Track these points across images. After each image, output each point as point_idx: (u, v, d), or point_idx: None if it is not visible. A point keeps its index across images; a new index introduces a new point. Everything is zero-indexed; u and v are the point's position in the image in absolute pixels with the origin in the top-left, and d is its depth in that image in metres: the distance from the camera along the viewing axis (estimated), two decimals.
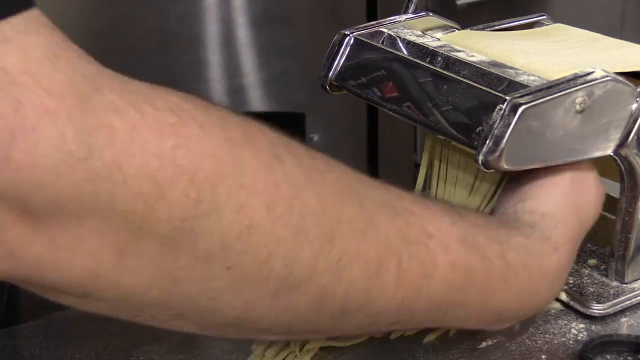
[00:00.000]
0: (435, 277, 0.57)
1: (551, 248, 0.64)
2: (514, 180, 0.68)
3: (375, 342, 0.68)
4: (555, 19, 0.84)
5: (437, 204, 0.62)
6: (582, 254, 0.77)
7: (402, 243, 0.56)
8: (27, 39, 0.43)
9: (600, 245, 0.78)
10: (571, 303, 0.72)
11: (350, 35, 0.77)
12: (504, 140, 0.63)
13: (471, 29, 0.81)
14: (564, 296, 0.72)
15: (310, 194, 0.51)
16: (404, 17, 0.80)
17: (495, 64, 0.71)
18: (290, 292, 0.51)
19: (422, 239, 0.57)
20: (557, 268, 0.64)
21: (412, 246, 0.56)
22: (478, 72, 0.70)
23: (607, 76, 0.66)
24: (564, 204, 0.66)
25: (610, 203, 0.79)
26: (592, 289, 0.72)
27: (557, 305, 0.72)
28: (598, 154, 0.68)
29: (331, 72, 0.76)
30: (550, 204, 0.66)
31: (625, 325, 0.70)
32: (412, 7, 0.82)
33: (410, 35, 0.77)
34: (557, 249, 0.64)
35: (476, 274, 0.59)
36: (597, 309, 0.71)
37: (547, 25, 0.83)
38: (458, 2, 1.52)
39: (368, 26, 0.78)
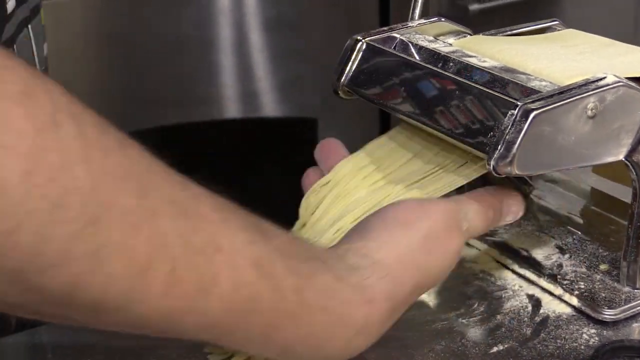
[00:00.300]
0: (213, 295, 0.52)
1: (364, 299, 0.59)
2: (374, 216, 0.65)
3: (384, 345, 0.68)
4: (568, 25, 0.84)
5: (241, 218, 0.55)
6: (594, 259, 0.77)
7: (181, 249, 0.50)
8: None
9: (612, 251, 0.78)
10: (583, 308, 0.72)
11: (363, 40, 0.77)
12: (516, 146, 0.63)
13: (483, 34, 0.81)
14: (575, 301, 0.72)
15: (82, 169, 0.46)
16: (416, 22, 0.80)
17: (507, 70, 0.71)
18: (39, 274, 0.46)
19: (208, 250, 0.51)
20: (364, 322, 0.59)
21: (194, 255, 0.50)
22: (490, 77, 0.70)
23: (619, 82, 0.66)
24: (405, 261, 0.62)
25: (621, 208, 0.79)
26: (603, 294, 0.72)
27: (569, 310, 0.72)
28: (610, 159, 0.68)
29: (343, 77, 0.77)
30: (389, 255, 0.61)
31: (637, 331, 0.70)
32: (417, 13, 0.82)
33: (422, 40, 0.78)
34: (371, 302, 0.59)
35: (262, 303, 0.54)
36: (608, 314, 0.71)
37: (559, 30, 0.83)
38: (470, 8, 1.53)
39: (380, 31, 0.78)
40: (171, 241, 0.49)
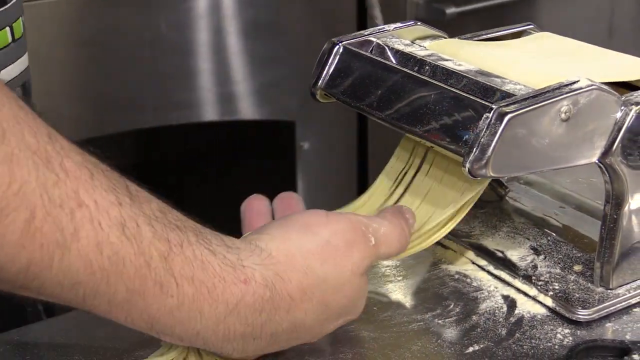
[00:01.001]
0: (73, 251, 0.51)
1: (239, 277, 0.59)
2: (279, 219, 0.66)
3: (361, 346, 0.69)
4: (543, 29, 0.85)
5: (112, 179, 0.54)
6: (568, 260, 0.78)
7: (40, 199, 0.50)
8: None
9: (586, 252, 0.79)
10: (557, 309, 0.73)
11: (340, 44, 0.78)
12: (491, 149, 0.64)
13: (459, 38, 0.82)
14: (549, 302, 0.73)
15: None
16: (392, 26, 0.81)
17: (482, 73, 0.72)
18: None
19: (69, 204, 0.51)
20: (237, 302, 0.59)
21: (53, 208, 0.50)
22: (465, 80, 0.71)
23: (592, 85, 0.67)
24: (293, 260, 0.61)
25: (595, 210, 0.80)
26: (577, 295, 0.73)
27: (543, 310, 0.73)
28: (583, 161, 0.69)
29: (320, 81, 0.77)
30: (279, 248, 0.61)
31: (610, 330, 0.71)
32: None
33: (398, 44, 0.78)
34: (247, 282, 0.59)
35: (125, 266, 0.54)
36: (582, 314, 0.71)
37: (534, 34, 0.84)
38: (447, 11, 1.54)
39: (357, 35, 0.79)
40: (30, 190, 0.49)
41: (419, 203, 0.75)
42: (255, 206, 0.69)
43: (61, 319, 0.74)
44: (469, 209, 0.72)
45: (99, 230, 0.52)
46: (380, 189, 0.79)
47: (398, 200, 0.77)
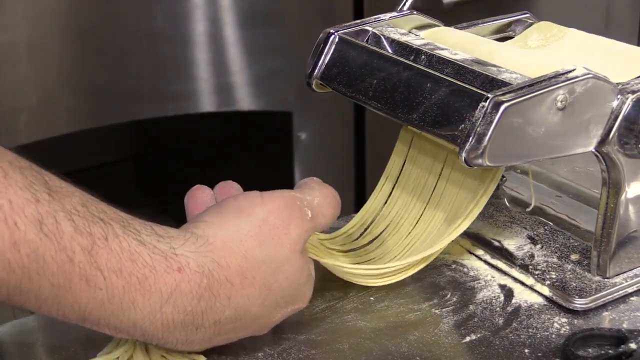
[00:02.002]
0: None
1: (171, 266, 0.58)
2: (213, 205, 0.65)
3: (357, 336, 0.69)
4: (540, 18, 0.85)
5: (28, 177, 0.54)
6: (565, 249, 0.78)
7: None
8: None
9: (583, 241, 0.79)
10: (554, 298, 0.73)
11: (335, 33, 0.77)
12: (487, 138, 0.64)
13: (455, 27, 0.81)
14: (546, 291, 0.73)
15: None
16: (388, 15, 0.80)
17: (478, 62, 0.72)
18: None
19: None
20: (172, 291, 0.58)
21: None
22: (461, 69, 0.71)
23: (588, 73, 0.67)
24: (231, 246, 0.61)
25: (592, 199, 0.80)
26: (574, 284, 0.73)
27: (540, 300, 0.73)
28: (579, 150, 0.69)
29: (316, 71, 0.77)
30: (215, 235, 0.61)
31: (607, 319, 0.71)
32: (408, 4, 0.82)
33: (394, 33, 0.78)
34: (181, 270, 0.58)
35: (47, 264, 0.53)
36: (579, 303, 0.71)
37: (530, 22, 0.84)
38: (443, 1, 1.53)
39: (353, 25, 0.79)
40: None
41: (433, 208, 0.75)
42: (198, 197, 0.68)
43: (32, 318, 0.74)
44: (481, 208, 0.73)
45: (15, 229, 0.52)
46: (384, 192, 0.79)
47: (412, 208, 0.77)
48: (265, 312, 0.64)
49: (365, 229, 0.78)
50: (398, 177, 0.79)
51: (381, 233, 0.78)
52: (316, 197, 0.66)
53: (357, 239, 0.78)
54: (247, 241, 0.62)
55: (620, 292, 0.73)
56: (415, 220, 0.77)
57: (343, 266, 0.72)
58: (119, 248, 0.56)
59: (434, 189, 0.76)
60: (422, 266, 0.74)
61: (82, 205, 0.56)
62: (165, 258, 0.58)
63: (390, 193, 0.79)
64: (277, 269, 0.63)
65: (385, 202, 0.79)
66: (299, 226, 0.64)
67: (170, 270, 0.58)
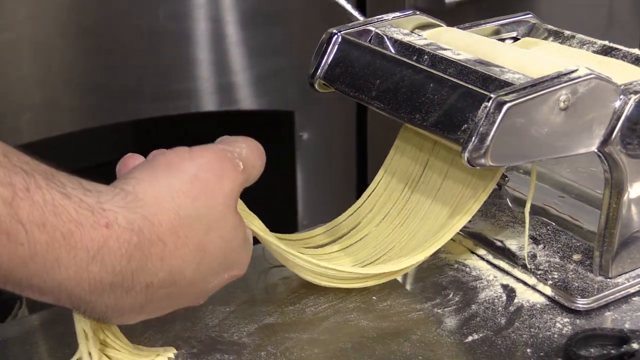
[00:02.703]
0: None
1: (99, 222, 0.55)
2: (144, 162, 0.62)
3: (360, 335, 0.69)
4: (542, 19, 0.85)
5: None
6: (567, 249, 0.78)
7: None
8: None
9: (585, 241, 0.79)
10: (556, 297, 0.73)
11: (338, 33, 0.78)
12: (489, 138, 0.64)
13: (457, 27, 0.82)
14: (549, 291, 0.73)
15: None
16: (391, 15, 0.81)
17: (481, 62, 0.72)
18: None
19: None
20: (99, 247, 0.55)
21: None
22: (464, 70, 0.71)
23: (590, 74, 0.67)
24: (162, 202, 0.58)
25: (595, 199, 0.80)
26: (576, 284, 0.73)
27: (542, 299, 0.73)
28: (582, 150, 0.69)
29: (319, 71, 0.77)
30: (146, 191, 0.58)
31: (609, 319, 0.71)
32: None
33: (397, 33, 0.78)
34: (109, 226, 0.55)
35: None
36: (581, 303, 0.72)
37: (532, 23, 0.84)
38: (446, 1, 1.53)
39: (356, 25, 0.79)
40: None
41: (429, 203, 0.76)
42: (129, 164, 0.64)
43: (34, 317, 0.74)
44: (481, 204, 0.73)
45: None
46: (382, 185, 0.79)
47: (407, 200, 0.78)
48: (201, 277, 0.61)
49: (358, 224, 0.79)
50: (395, 173, 0.79)
51: (370, 231, 0.78)
52: (243, 148, 0.64)
53: (346, 234, 0.79)
54: (179, 198, 0.58)
55: (623, 292, 0.73)
56: (406, 215, 0.77)
57: (286, 250, 0.70)
58: (42, 200, 0.53)
59: (433, 185, 0.76)
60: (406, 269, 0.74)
61: (2, 155, 0.53)
62: (92, 213, 0.55)
63: (385, 190, 0.79)
64: (211, 227, 0.60)
65: (378, 200, 0.79)
66: (232, 179, 0.61)
67: (97, 225, 0.54)
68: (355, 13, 0.83)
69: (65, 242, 0.53)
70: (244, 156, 0.63)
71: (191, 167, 0.60)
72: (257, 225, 0.68)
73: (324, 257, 0.76)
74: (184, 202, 0.58)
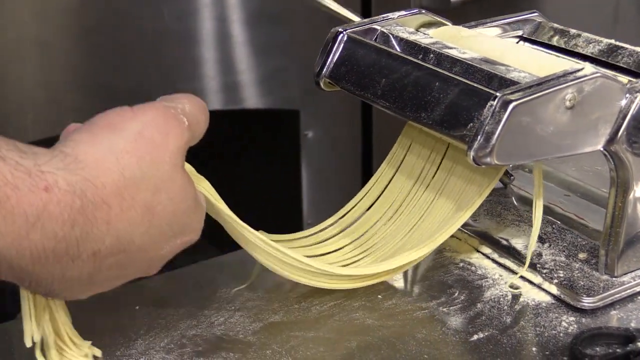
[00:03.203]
0: None
1: (37, 185, 0.52)
2: (85, 123, 0.59)
3: (365, 334, 0.69)
4: (547, 16, 0.85)
5: None
6: (573, 248, 0.78)
7: None
8: None
9: (591, 240, 0.79)
10: (562, 296, 0.73)
11: (344, 32, 0.77)
12: (495, 137, 0.64)
13: (463, 26, 0.81)
14: (554, 289, 0.73)
15: None
16: (396, 14, 0.80)
17: (486, 61, 0.72)
18: None
19: None
20: (39, 212, 0.52)
21: None
22: (469, 68, 0.71)
23: (596, 72, 0.67)
24: (105, 164, 0.54)
25: (600, 198, 0.80)
26: (582, 283, 0.73)
27: (548, 298, 0.73)
28: (588, 149, 0.69)
29: (324, 70, 0.77)
30: (86, 152, 0.55)
31: (615, 318, 0.71)
32: None
33: (402, 32, 0.78)
34: (49, 190, 0.52)
35: None
36: (587, 302, 0.71)
37: (538, 21, 0.84)
38: (452, 0, 1.53)
39: (361, 23, 0.79)
40: None
41: (431, 199, 0.76)
42: (71, 130, 0.60)
43: None
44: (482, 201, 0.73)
45: None
46: (384, 179, 0.79)
47: (408, 193, 0.78)
48: (152, 243, 0.58)
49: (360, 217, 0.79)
50: (399, 168, 0.79)
51: (375, 223, 0.78)
52: (185, 104, 0.60)
53: (349, 226, 0.79)
54: (124, 158, 0.55)
55: (628, 290, 0.73)
56: (408, 210, 0.77)
57: (240, 223, 0.67)
58: None
59: (436, 181, 0.76)
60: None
61: None
62: (29, 175, 0.52)
63: (388, 184, 0.79)
64: (159, 187, 0.57)
65: (381, 194, 0.79)
66: (178, 137, 0.58)
67: (36, 189, 0.51)
68: (350, 15, 0.83)
69: (2, 207, 0.51)
70: (188, 112, 0.60)
71: (135, 125, 0.57)
72: (205, 188, 0.65)
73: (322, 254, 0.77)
74: (128, 162, 0.55)
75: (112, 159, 0.55)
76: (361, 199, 0.80)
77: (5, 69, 1.37)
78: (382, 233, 0.77)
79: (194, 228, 0.61)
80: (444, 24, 0.81)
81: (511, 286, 0.74)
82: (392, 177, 0.79)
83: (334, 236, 0.78)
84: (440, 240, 0.73)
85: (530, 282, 0.75)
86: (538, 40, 0.83)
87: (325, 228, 0.79)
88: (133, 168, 0.55)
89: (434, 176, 0.77)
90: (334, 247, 0.78)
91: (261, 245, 0.69)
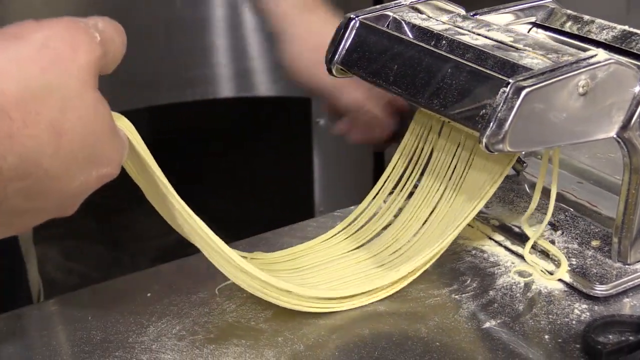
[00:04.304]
0: None
1: None
2: None
3: (377, 321, 0.69)
4: (561, 3, 0.85)
5: None
6: (586, 236, 0.78)
7: None
8: None
9: (604, 227, 0.78)
10: (574, 284, 0.72)
11: (356, 18, 0.77)
12: (508, 123, 0.63)
13: (476, 12, 0.81)
14: (567, 277, 0.73)
15: None
16: (409, 0, 0.80)
17: (499, 47, 0.71)
18: None
19: None
20: None
21: None
22: (482, 55, 0.70)
23: (610, 59, 0.66)
24: (6, 73, 0.51)
25: (614, 185, 0.80)
26: (595, 270, 0.73)
27: (560, 286, 0.73)
28: (601, 136, 0.69)
29: (337, 56, 0.77)
30: (1, 59, 0.51)
31: (628, 306, 0.71)
32: None
33: (415, 18, 0.78)
34: None
35: None
36: (600, 289, 0.71)
37: (552, 8, 0.84)
38: None
39: (373, 10, 0.79)
40: None
41: (443, 188, 0.76)
42: None
43: (52, 302, 0.74)
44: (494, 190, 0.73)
45: None
46: (397, 170, 0.79)
47: (421, 185, 0.78)
48: (63, 169, 0.53)
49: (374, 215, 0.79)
50: (411, 158, 0.79)
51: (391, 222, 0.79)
52: (98, 21, 0.56)
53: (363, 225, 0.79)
54: (25, 66, 0.51)
55: None
56: (422, 201, 0.77)
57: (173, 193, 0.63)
58: None
59: (449, 170, 0.76)
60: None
61: None
62: None
63: (401, 175, 0.79)
64: (66, 104, 0.52)
65: (395, 187, 0.79)
66: (88, 51, 0.54)
67: None
68: None
69: None
70: (100, 28, 0.56)
71: (39, 37, 0.52)
72: (125, 126, 0.60)
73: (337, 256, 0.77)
74: (32, 72, 0.51)
75: (13, 67, 0.51)
76: (377, 194, 0.80)
77: None
78: (397, 233, 0.78)
79: (110, 159, 0.55)
80: (457, 11, 0.81)
81: (521, 274, 0.74)
82: (404, 168, 0.79)
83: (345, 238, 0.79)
84: (455, 234, 0.73)
85: (543, 270, 0.75)
86: (551, 26, 0.82)
87: (338, 232, 0.79)
88: (37, 78, 0.51)
89: (449, 166, 0.76)
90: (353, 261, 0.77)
91: (185, 216, 0.65)
